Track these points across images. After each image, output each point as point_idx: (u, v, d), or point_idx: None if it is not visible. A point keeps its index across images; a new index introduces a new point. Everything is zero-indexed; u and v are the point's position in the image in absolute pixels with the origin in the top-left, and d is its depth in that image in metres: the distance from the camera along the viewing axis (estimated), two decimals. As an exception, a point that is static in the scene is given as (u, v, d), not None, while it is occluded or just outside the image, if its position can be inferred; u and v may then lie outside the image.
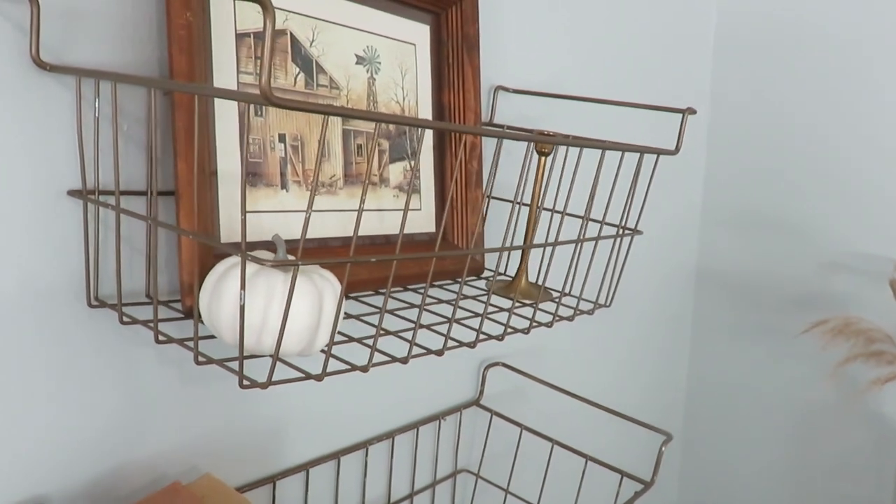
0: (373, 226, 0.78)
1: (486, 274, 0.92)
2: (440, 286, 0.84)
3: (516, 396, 1.07)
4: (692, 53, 1.39)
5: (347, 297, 0.73)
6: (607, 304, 0.83)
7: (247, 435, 0.72)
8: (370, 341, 0.66)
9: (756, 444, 1.54)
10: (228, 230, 0.64)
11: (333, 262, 0.48)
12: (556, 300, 0.82)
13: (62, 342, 0.57)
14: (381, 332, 0.67)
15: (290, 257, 0.56)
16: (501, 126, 0.93)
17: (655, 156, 0.80)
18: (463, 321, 0.80)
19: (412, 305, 0.69)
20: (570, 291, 0.79)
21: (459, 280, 0.86)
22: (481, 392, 1.00)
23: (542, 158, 0.82)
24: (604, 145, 0.71)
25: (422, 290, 0.81)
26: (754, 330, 1.51)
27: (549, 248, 1.03)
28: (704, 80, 1.47)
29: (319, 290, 0.53)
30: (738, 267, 1.52)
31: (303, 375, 0.50)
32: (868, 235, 1.38)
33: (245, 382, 0.47)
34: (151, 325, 0.54)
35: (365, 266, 0.73)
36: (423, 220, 0.84)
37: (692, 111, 0.79)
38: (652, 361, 1.47)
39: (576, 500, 0.90)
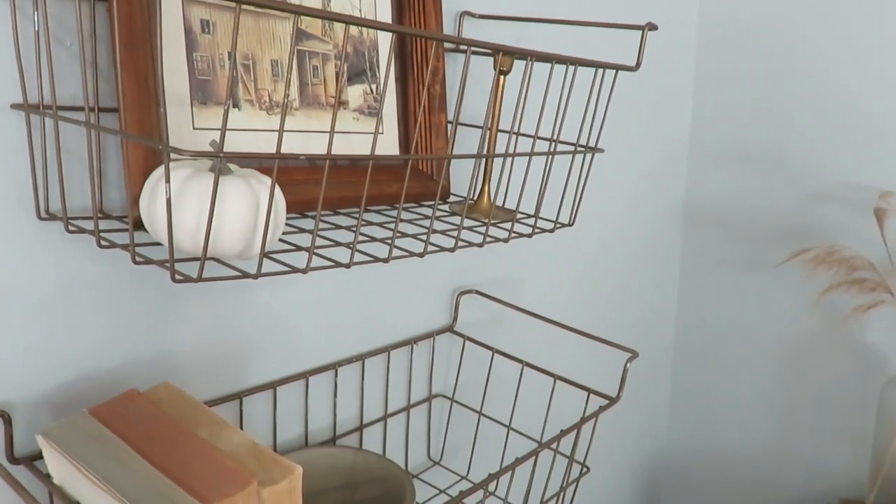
0: (335, 148, 0.79)
1: (452, 199, 0.92)
2: (406, 209, 0.85)
3: (491, 324, 1.09)
4: (675, -17, 1.37)
5: (304, 215, 0.74)
6: (570, 223, 0.84)
7: (212, 352, 0.73)
8: (347, 250, 0.68)
9: (745, 375, 1.56)
10: (203, 165, 0.64)
11: (260, 155, 0.49)
12: (516, 219, 0.83)
13: (13, 254, 0.58)
14: (363, 237, 0.68)
15: (230, 165, 0.57)
16: (465, 52, 0.93)
17: (615, 72, 0.79)
18: (437, 232, 0.81)
19: (371, 223, 0.70)
20: (523, 209, 0.80)
21: (425, 203, 0.86)
22: (455, 318, 1.01)
23: (502, 77, 0.82)
24: (562, 59, 0.71)
25: (384, 212, 0.82)
26: (743, 263, 1.52)
27: (508, 169, 1.03)
28: (692, 7, 1.45)
29: (255, 192, 0.54)
30: (726, 201, 1.52)
31: (239, 273, 0.51)
32: (855, 166, 1.37)
33: (178, 277, 0.48)
34: (110, 235, 0.55)
35: (322, 184, 0.74)
36: (386, 143, 0.85)
37: (652, 26, 0.78)
38: (641, 296, 1.48)
39: (545, 419, 0.91)
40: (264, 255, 0.56)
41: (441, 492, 0.97)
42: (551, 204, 1.09)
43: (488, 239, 0.73)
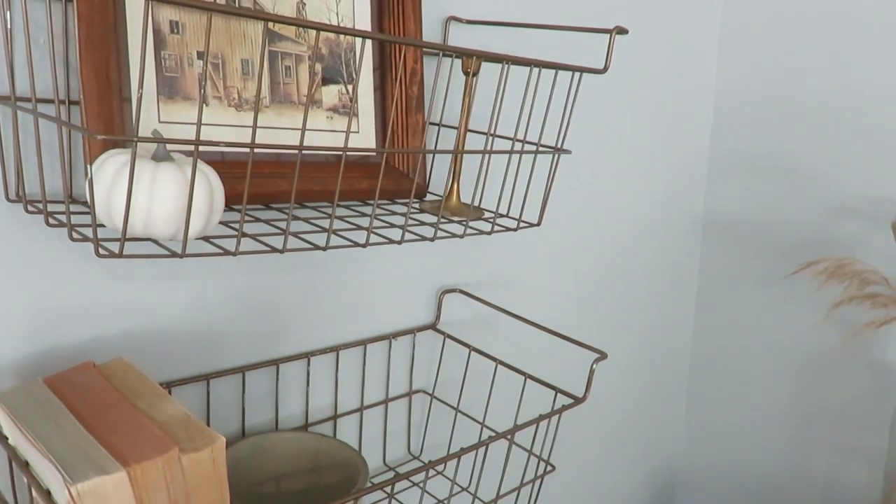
0: (307, 144, 0.82)
1: (428, 198, 0.95)
2: (379, 205, 0.88)
3: (479, 325, 1.10)
4: (688, -9, 1.37)
5: (270, 207, 0.77)
6: (537, 223, 0.85)
7: (180, 333, 0.78)
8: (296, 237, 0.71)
9: (760, 390, 1.52)
10: (144, 145, 0.69)
11: (180, 141, 0.52)
12: (483, 217, 0.84)
13: (-16, 232, 0.64)
14: (282, 219, 0.71)
15: (175, 155, 0.62)
16: (451, 56, 0.95)
17: (580, 74, 0.81)
18: (417, 224, 0.84)
19: (342, 217, 0.73)
20: (500, 208, 0.81)
21: (398, 200, 0.89)
22: (438, 317, 1.03)
23: (470, 79, 0.84)
24: (529, 62, 0.73)
25: (354, 207, 0.85)
26: (761, 276, 1.49)
27: (480, 168, 1.05)
28: (714, 17, 1.44)
29: (189, 179, 0.57)
30: (745, 212, 1.49)
31: (167, 252, 0.55)
32: (877, 178, 1.33)
33: (102, 252, 0.52)
34: (59, 215, 0.60)
35: (290, 178, 0.78)
36: (361, 142, 0.88)
37: (621, 30, 0.79)
38: (654, 306, 1.47)
39: (516, 415, 0.93)
40: (205, 238, 0.59)
41: (414, 485, 0.99)
42: (529, 204, 1.11)
43: (468, 232, 0.75)
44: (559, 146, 0.83)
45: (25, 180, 0.64)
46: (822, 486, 1.47)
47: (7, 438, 0.62)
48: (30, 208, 0.61)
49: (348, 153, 0.86)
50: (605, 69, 0.81)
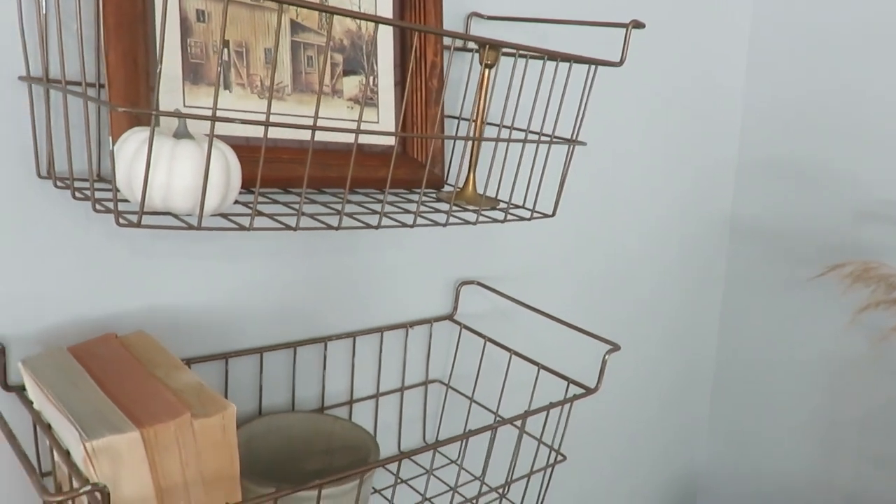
0: (327, 133, 0.85)
1: (447, 189, 0.96)
2: (395, 194, 0.90)
3: (498, 317, 1.12)
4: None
5: (288, 191, 0.80)
6: (552, 214, 0.86)
7: (200, 312, 0.80)
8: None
9: (786, 396, 1.51)
10: (168, 125, 0.72)
11: (197, 117, 0.55)
12: (497, 207, 0.86)
13: (16, 207, 0.67)
14: (306, 200, 0.73)
15: (196, 134, 0.64)
16: (471, 51, 0.97)
17: (595, 67, 0.82)
18: (426, 214, 0.86)
19: (358, 203, 0.75)
20: (517, 199, 0.83)
21: (416, 190, 0.91)
22: (455, 308, 1.05)
23: (486, 70, 0.86)
24: (542, 52, 0.75)
25: (371, 194, 0.87)
26: (789, 281, 1.48)
27: (495, 158, 1.06)
28: (744, 17, 1.44)
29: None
30: (773, 216, 1.48)
31: (184, 225, 0.57)
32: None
33: (121, 221, 0.55)
34: (85, 189, 0.63)
35: (311, 165, 0.80)
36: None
37: (637, 24, 0.80)
38: (677, 309, 1.47)
39: (528, 405, 0.93)
40: (222, 215, 0.62)
41: (427, 472, 1.00)
42: (545, 196, 1.12)
43: (481, 220, 0.77)
44: (574, 138, 0.84)
45: (55, 158, 0.67)
46: (849, 496, 1.44)
47: (32, 403, 0.66)
48: (58, 184, 0.64)
49: (369, 144, 0.89)
50: (622, 62, 0.82)
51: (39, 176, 0.67)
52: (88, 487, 0.49)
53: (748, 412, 1.57)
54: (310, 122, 0.82)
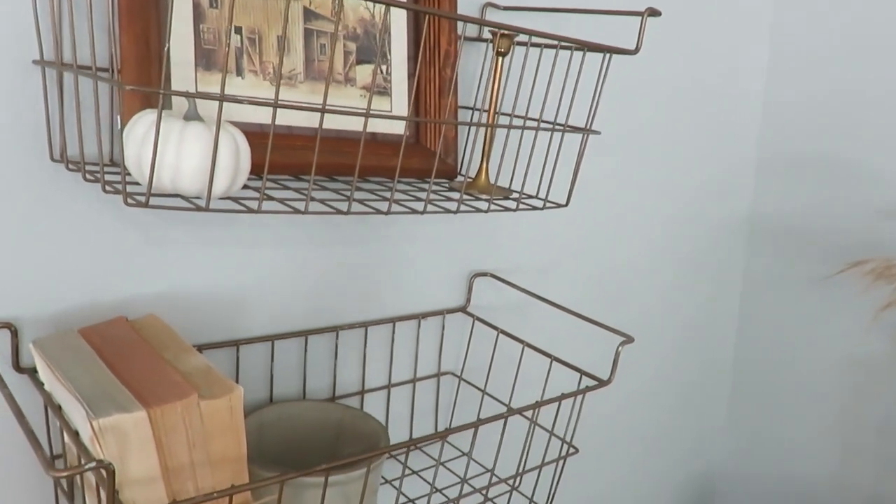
0: (341, 121, 0.85)
1: (460, 179, 0.96)
2: (408, 183, 0.90)
3: (512, 311, 1.11)
4: (736, -15, 1.35)
5: (300, 178, 0.80)
6: (565, 203, 0.86)
7: (211, 299, 0.81)
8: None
9: (806, 396, 1.48)
10: (178, 108, 0.72)
11: (203, 96, 0.55)
12: (510, 196, 0.85)
13: (29, 190, 0.67)
14: (318, 187, 0.73)
15: (207, 117, 0.64)
16: (484, 40, 0.97)
17: (610, 55, 0.81)
18: (437, 202, 0.85)
19: (369, 191, 0.75)
20: (530, 189, 0.82)
21: (428, 180, 0.91)
22: (468, 300, 1.04)
23: (500, 59, 0.85)
24: (555, 37, 0.74)
25: (384, 182, 0.87)
26: (807, 279, 1.45)
27: (507, 148, 1.05)
28: (765, 21, 1.42)
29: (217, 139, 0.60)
30: (794, 213, 1.46)
31: (192, 206, 0.58)
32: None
33: (130, 201, 0.55)
34: (96, 172, 0.64)
35: (319, 152, 0.80)
36: (396, 123, 0.90)
37: (653, 12, 0.80)
38: (694, 306, 1.45)
39: (541, 396, 0.93)
40: (228, 197, 0.62)
41: (439, 464, 0.99)
42: (559, 187, 1.11)
43: (492, 209, 0.76)
44: (588, 127, 0.83)
45: (68, 142, 0.68)
46: (869, 499, 1.42)
47: (43, 384, 0.66)
48: (70, 167, 0.64)
49: (383, 133, 0.88)
50: (637, 50, 0.81)
51: (52, 159, 0.67)
52: (94, 464, 0.49)
53: (767, 412, 1.54)
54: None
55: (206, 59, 0.74)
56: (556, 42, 0.75)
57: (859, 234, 1.37)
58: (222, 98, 0.55)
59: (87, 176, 0.61)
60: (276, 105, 0.58)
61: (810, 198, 1.43)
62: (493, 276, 1.05)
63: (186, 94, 0.54)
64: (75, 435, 0.59)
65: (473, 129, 0.85)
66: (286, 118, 0.80)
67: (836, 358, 1.42)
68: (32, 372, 0.69)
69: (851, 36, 1.35)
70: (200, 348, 0.80)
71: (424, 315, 1.00)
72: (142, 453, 0.56)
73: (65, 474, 0.48)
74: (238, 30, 0.77)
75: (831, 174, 1.40)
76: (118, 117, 0.53)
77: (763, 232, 1.50)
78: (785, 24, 1.43)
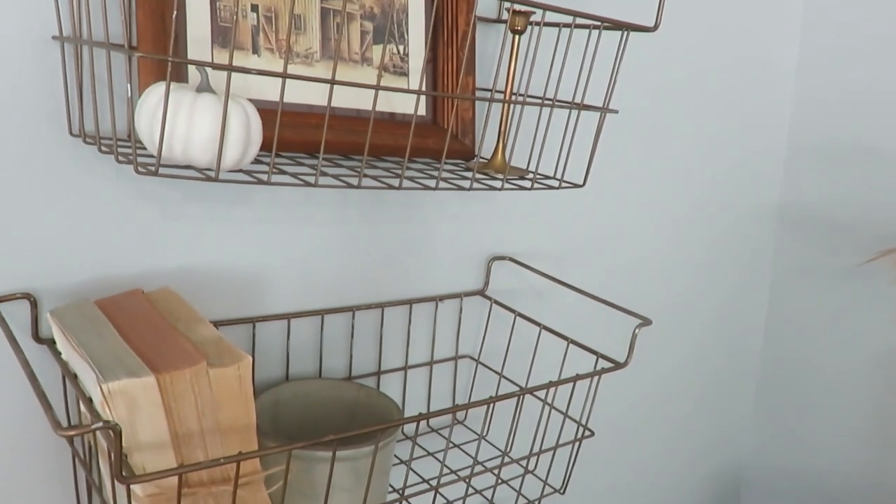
0: (359, 100, 0.85)
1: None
2: (425, 162, 0.90)
3: (532, 295, 1.10)
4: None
5: (314, 156, 0.80)
6: (581, 184, 0.85)
7: (228, 276, 0.81)
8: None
9: (836, 390, 1.45)
10: (192, 86, 0.73)
11: (212, 65, 0.55)
12: (525, 176, 0.85)
13: (49, 164, 0.69)
14: (332, 164, 0.74)
15: (219, 90, 0.65)
16: (502, 22, 0.96)
17: (627, 33, 0.80)
18: (450, 180, 0.85)
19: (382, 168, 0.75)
20: (547, 170, 0.82)
21: (447, 161, 0.91)
22: (486, 283, 1.04)
23: (516, 37, 0.85)
24: (569, 13, 0.73)
25: (400, 162, 0.87)
26: (838, 270, 1.42)
27: (529, 130, 1.05)
28: (797, 6, 1.39)
29: (228, 111, 0.60)
30: (823, 205, 1.43)
31: (201, 177, 0.58)
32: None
33: (140, 169, 0.56)
34: (108, 144, 0.65)
35: (335, 130, 0.81)
36: (411, 101, 0.90)
37: (672, -12, 0.79)
38: (721, 297, 1.43)
39: (558, 376, 0.92)
40: (241, 170, 0.63)
41: (455, 446, 0.99)
42: (574, 168, 1.10)
43: (507, 186, 0.76)
44: (605, 106, 0.82)
45: (85, 117, 0.69)
46: (900, 493, 1.38)
47: (60, 353, 0.67)
48: (87, 140, 0.66)
49: (401, 113, 0.88)
50: (656, 27, 0.80)
51: (71, 134, 0.68)
52: (100, 424, 0.49)
53: (795, 406, 1.51)
54: (337, 88, 0.83)
55: (222, 36, 0.75)
56: (570, 18, 0.74)
57: (891, 225, 1.33)
58: (231, 68, 0.56)
59: (103, 147, 0.62)
60: (284, 76, 0.59)
61: (841, 187, 1.40)
62: (512, 259, 1.04)
63: (195, 63, 0.55)
64: (89, 402, 0.60)
65: (491, 110, 0.85)
66: (305, 96, 0.80)
67: (867, 350, 1.39)
68: (51, 343, 0.70)
69: (887, 23, 1.31)
70: (217, 324, 0.81)
71: (442, 297, 0.99)
72: (151, 419, 0.57)
73: (72, 433, 0.49)
74: (255, 8, 0.77)
75: (863, 163, 1.37)
76: (128, 84, 0.54)
77: (793, 221, 1.47)
78: (818, 8, 1.40)
